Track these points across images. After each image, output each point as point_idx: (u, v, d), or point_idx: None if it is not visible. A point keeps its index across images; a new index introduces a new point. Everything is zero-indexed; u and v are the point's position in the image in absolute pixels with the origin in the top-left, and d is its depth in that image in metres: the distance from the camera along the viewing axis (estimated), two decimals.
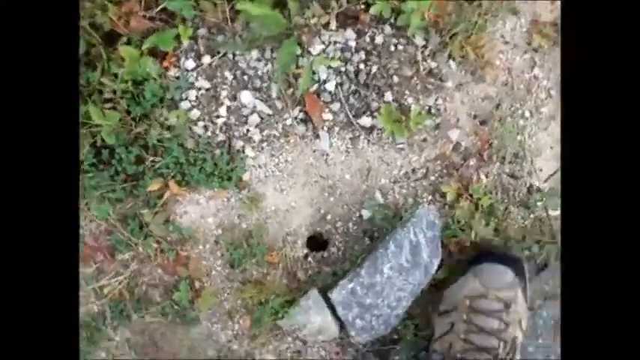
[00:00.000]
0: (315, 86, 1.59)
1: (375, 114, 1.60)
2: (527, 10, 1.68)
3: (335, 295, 1.52)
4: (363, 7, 1.59)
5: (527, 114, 1.65)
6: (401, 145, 1.66)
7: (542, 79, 1.65)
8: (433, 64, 1.61)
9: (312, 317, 1.48)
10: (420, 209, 1.52)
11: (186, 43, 1.65)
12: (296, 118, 1.67)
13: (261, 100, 1.59)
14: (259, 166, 1.67)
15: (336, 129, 1.66)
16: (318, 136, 1.68)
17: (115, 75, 1.53)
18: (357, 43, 1.60)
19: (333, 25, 1.59)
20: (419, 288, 1.55)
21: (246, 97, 1.67)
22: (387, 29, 1.63)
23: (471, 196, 1.59)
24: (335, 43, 1.60)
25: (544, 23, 1.67)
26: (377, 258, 1.46)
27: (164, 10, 1.58)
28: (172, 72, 1.64)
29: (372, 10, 1.62)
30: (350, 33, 1.60)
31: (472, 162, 1.63)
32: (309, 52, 1.67)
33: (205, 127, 1.67)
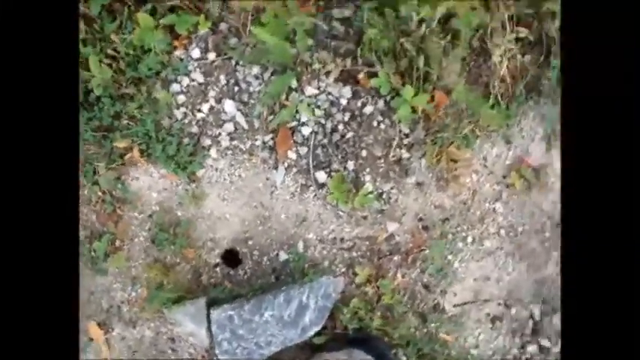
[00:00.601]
0: (294, 123, 1.57)
1: (333, 174, 1.57)
2: (521, 145, 1.62)
3: (215, 314, 1.47)
4: (366, 73, 1.55)
5: (469, 240, 1.58)
6: (341, 212, 1.63)
7: (500, 215, 1.58)
8: (405, 155, 1.57)
9: (189, 322, 1.51)
10: (323, 278, 1.50)
11: (201, 32, 1.70)
12: (265, 143, 1.63)
13: (242, 114, 1.58)
14: (215, 169, 1.68)
15: (294, 170, 1.63)
16: (276, 168, 1.68)
17: (125, 36, 1.52)
18: (347, 102, 1.56)
19: (334, 76, 1.56)
20: (290, 342, 1.52)
21: (229, 105, 1.64)
22: (380, 104, 1.57)
23: (378, 287, 1.54)
24: (328, 93, 1.57)
25: (528, 166, 1.57)
26: (263, 301, 1.46)
27: None
28: (177, 53, 1.71)
29: (373, 82, 1.61)
30: (347, 90, 1.56)
31: (396, 258, 1.58)
32: (302, 91, 1.64)
33: (184, 115, 1.70)
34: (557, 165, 1.61)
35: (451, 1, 1.42)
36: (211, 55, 1.61)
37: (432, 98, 1.53)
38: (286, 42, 1.55)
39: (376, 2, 1.48)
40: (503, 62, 1.52)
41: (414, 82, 1.51)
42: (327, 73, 1.56)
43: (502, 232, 1.56)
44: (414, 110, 1.48)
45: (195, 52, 1.61)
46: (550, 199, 1.58)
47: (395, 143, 1.53)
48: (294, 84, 1.58)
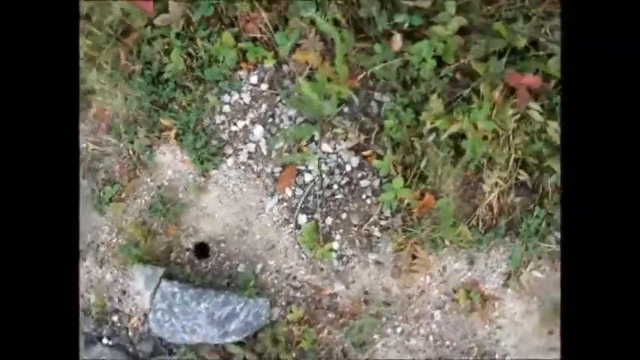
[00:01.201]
0: (301, 167, 1.70)
1: (311, 221, 1.67)
2: (481, 271, 1.63)
3: (164, 285, 1.56)
4: (375, 153, 1.68)
5: (398, 330, 1.62)
6: (304, 256, 1.73)
7: (435, 322, 1.61)
8: (376, 233, 1.64)
9: (141, 281, 1.63)
10: (262, 300, 1.58)
11: (266, 65, 1.95)
12: (272, 172, 1.76)
13: (266, 142, 1.73)
14: (225, 175, 1.79)
15: (284, 204, 1.74)
16: (271, 196, 1.84)
17: (207, 44, 1.75)
18: (350, 170, 1.67)
19: (349, 144, 1.69)
20: (210, 340, 1.54)
21: (259, 130, 1.78)
22: (376, 182, 1.65)
23: (303, 331, 1.60)
24: (339, 156, 1.68)
25: (479, 292, 1.59)
26: (205, 294, 1.57)
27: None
28: (240, 73, 1.95)
29: (376, 162, 1.70)
30: (354, 160, 1.67)
31: (330, 315, 1.62)
32: (319, 145, 1.78)
33: (222, 122, 1.92)
34: (510, 304, 1.67)
35: (466, 123, 1.58)
36: (264, 86, 1.83)
37: (422, 196, 1.67)
38: (323, 101, 1.76)
39: (406, 100, 1.66)
40: (492, 193, 1.64)
41: (409, 176, 1.66)
42: (345, 139, 1.74)
43: (430, 338, 1.59)
44: (401, 200, 1.62)
45: (254, 79, 1.84)
46: (487, 331, 1.63)
47: (372, 220, 1.66)
48: (316, 136, 1.77)
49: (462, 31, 1.70)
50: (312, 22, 1.63)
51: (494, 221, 1.63)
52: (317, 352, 1.58)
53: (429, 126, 1.52)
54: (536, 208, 1.59)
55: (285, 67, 1.80)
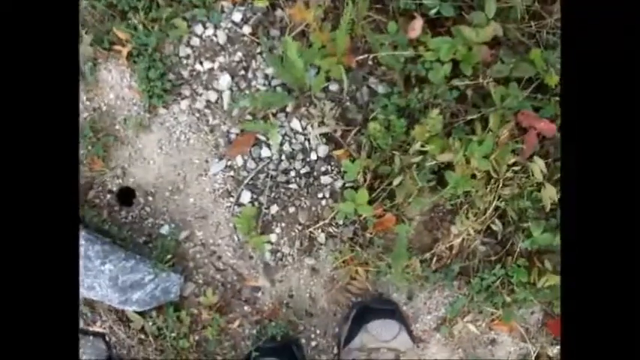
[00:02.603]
0: (262, 137, 1.38)
1: (254, 204, 1.39)
2: (413, 312, 1.44)
3: (83, 232, 1.30)
4: (348, 152, 1.37)
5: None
6: (236, 238, 1.38)
7: None
8: (321, 239, 1.38)
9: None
10: (176, 275, 1.34)
11: (257, 4, 1.45)
12: (228, 132, 1.38)
13: (231, 95, 1.38)
14: (174, 118, 1.37)
15: (231, 173, 1.37)
16: (220, 160, 1.50)
17: None
18: (315, 160, 1.36)
19: (322, 131, 1.37)
20: (107, 302, 1.32)
21: (225, 80, 1.36)
22: (338, 184, 1.37)
23: (212, 319, 1.38)
24: (307, 139, 1.37)
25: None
26: (113, 253, 1.30)
27: None
28: (224, 3, 1.52)
29: (345, 163, 1.37)
30: (322, 150, 1.36)
31: (245, 308, 1.41)
32: (289, 120, 1.38)
33: (187, 56, 1.43)
34: (432, 350, 1.50)
35: (459, 155, 1.29)
36: (246, 29, 1.44)
37: (383, 213, 1.40)
38: (309, 71, 1.40)
39: (402, 102, 1.34)
40: (458, 237, 1.40)
41: (377, 188, 1.38)
42: (320, 123, 1.42)
43: None
44: (359, 213, 1.35)
45: (237, 16, 1.44)
46: None
47: (321, 224, 1.40)
48: (288, 108, 1.44)
49: (491, 42, 1.35)
50: None
51: (448, 261, 1.40)
52: (220, 342, 1.37)
53: (417, 146, 1.22)
54: (497, 266, 1.36)
55: (278, 13, 1.41)
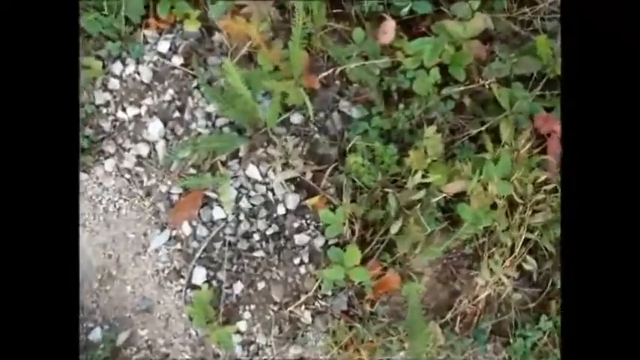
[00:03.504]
0: (211, 194, 1.02)
1: (211, 284, 1.01)
2: None
3: None
4: (325, 198, 1.01)
5: None
6: (193, 333, 0.99)
7: None
8: (306, 319, 1.00)
9: None
10: None
11: (188, 29, 1.13)
12: (169, 194, 1.03)
13: (166, 146, 1.05)
14: (98, 184, 1.05)
15: (177, 246, 1.00)
16: (161, 230, 1.07)
17: None
18: (284, 214, 1.01)
19: (289, 175, 1.03)
20: None
21: (157, 127, 1.02)
22: (318, 242, 1.00)
23: None
24: (270, 190, 1.03)
25: None
26: None
27: None
28: (146, 32, 1.19)
29: (324, 215, 0.97)
30: (292, 200, 1.01)
31: None
32: (243, 167, 1.02)
33: (106, 103, 1.09)
34: None
35: (473, 182, 0.96)
36: (176, 60, 1.12)
37: (383, 271, 1.05)
38: (261, 101, 1.08)
39: (387, 123, 1.01)
40: (485, 289, 1.05)
41: (370, 240, 1.03)
42: (284, 166, 1.08)
43: None
44: (348, 277, 0.98)
45: (163, 45, 1.12)
46: None
47: (303, 299, 1.03)
48: (241, 152, 1.09)
49: (481, 36, 1.05)
50: None
51: (475, 319, 1.04)
52: None
53: (417, 178, 0.88)
54: (541, 317, 1.00)
55: (216, 37, 1.09)
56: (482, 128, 0.94)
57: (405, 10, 1.04)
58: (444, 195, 0.88)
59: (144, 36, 1.09)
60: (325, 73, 0.98)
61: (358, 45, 1.04)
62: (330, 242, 0.99)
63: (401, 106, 0.98)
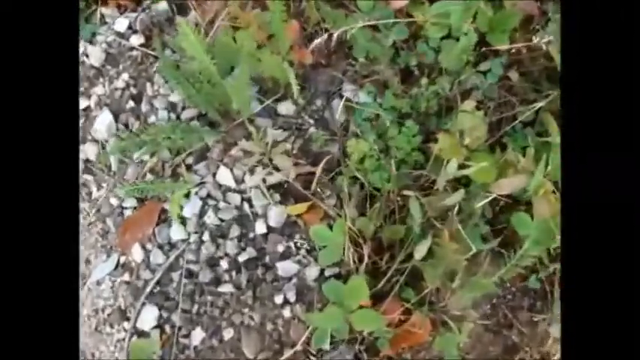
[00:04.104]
0: (171, 207, 0.74)
1: (163, 330, 0.72)
2: None
3: None
4: (318, 207, 0.77)
5: None
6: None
7: None
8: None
9: None
10: None
11: (156, 5, 0.98)
12: (121, 208, 0.75)
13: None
14: None
15: (125, 277, 0.76)
16: (107, 255, 0.86)
17: None
18: (265, 234, 0.72)
19: (268, 179, 0.76)
20: None
21: (106, 120, 0.76)
22: (311, 272, 0.67)
23: None
24: (245, 196, 0.74)
25: None
26: None
27: None
28: (105, 10, 1.00)
29: (315, 231, 0.78)
30: (277, 214, 0.71)
31: None
32: (213, 171, 0.85)
33: None
34: None
35: (536, 178, 0.64)
36: (135, 39, 0.90)
37: (406, 315, 0.73)
38: (234, 81, 0.82)
39: (405, 104, 0.72)
40: (556, 341, 0.71)
41: (385, 268, 0.72)
42: (266, 168, 0.80)
43: None
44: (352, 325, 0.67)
45: (121, 23, 0.91)
46: None
47: (288, 355, 0.71)
48: (211, 149, 0.83)
49: None
50: None
51: None
52: None
53: (450, 170, 0.58)
54: None
55: (191, 16, 0.86)
56: (540, 104, 0.64)
57: None
58: (493, 197, 0.58)
59: (101, 15, 0.87)
60: (318, 41, 0.71)
61: (365, 13, 0.79)
62: (327, 273, 0.68)
63: (423, 80, 0.70)
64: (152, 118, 0.80)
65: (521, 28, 0.76)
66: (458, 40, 0.75)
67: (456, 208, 0.60)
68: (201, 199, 0.74)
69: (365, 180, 0.65)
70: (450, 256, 0.58)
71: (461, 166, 0.59)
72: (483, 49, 0.75)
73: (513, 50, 0.73)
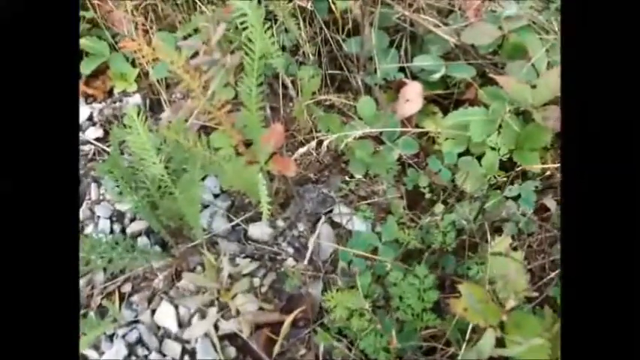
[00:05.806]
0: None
1: None
2: None
3: None
4: None
5: None
6: None
7: None
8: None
9: None
10: None
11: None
12: None
13: None
14: None
15: None
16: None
17: None
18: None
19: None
20: None
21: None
22: None
23: None
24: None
25: None
26: None
27: None
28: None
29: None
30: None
31: None
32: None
33: None
34: None
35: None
36: (91, 132, 0.70)
37: None
38: (199, 192, 0.64)
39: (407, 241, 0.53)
40: None
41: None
42: (220, 309, 0.57)
43: None
44: None
45: (81, 113, 0.76)
46: None
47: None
48: (156, 281, 0.61)
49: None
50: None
51: None
52: None
53: (486, 346, 0.37)
54: None
55: (166, 115, 0.72)
56: None
57: (437, 75, 0.66)
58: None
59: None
60: (303, 149, 0.55)
61: (366, 120, 0.65)
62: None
63: (438, 207, 0.53)
64: (89, 228, 0.62)
65: (552, 145, 0.61)
66: (478, 157, 0.60)
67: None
68: (128, 345, 0.53)
69: (353, 345, 0.44)
70: None
71: (498, 341, 0.38)
72: (511, 171, 0.59)
73: (548, 172, 0.57)
